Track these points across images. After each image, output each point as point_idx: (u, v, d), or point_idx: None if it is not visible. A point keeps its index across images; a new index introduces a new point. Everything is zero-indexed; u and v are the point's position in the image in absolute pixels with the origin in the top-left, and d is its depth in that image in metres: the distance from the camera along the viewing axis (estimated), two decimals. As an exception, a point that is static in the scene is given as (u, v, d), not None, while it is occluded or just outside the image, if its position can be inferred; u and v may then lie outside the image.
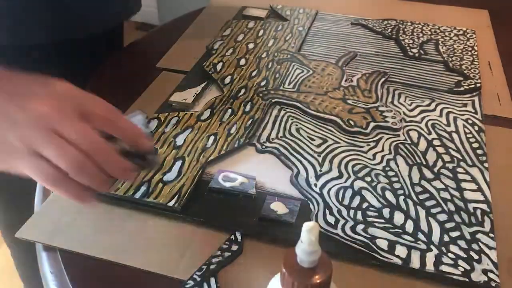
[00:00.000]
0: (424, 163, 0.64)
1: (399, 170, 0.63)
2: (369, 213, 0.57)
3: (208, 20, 0.99)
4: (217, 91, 0.77)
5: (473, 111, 0.74)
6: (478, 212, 0.57)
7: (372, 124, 0.69)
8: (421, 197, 0.59)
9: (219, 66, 0.81)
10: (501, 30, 0.98)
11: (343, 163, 0.63)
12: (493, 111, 0.75)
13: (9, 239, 0.93)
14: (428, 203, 0.58)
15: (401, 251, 0.52)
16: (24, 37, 0.70)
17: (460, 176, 0.62)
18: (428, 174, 0.62)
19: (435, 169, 0.63)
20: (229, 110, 0.71)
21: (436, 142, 0.67)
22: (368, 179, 0.61)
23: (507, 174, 0.64)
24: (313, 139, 0.67)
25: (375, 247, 0.53)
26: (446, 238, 0.54)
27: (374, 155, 0.65)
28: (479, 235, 0.54)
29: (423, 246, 0.53)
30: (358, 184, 0.60)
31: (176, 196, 0.57)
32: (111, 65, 0.85)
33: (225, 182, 0.60)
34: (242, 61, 0.83)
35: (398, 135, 0.68)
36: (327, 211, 0.56)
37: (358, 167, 0.63)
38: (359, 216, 0.56)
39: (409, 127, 0.70)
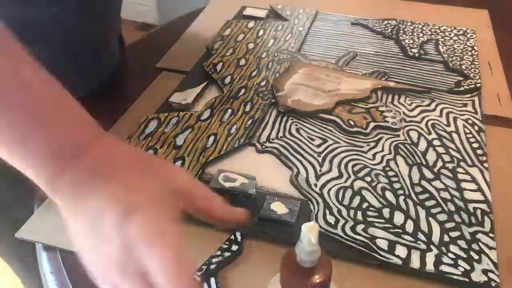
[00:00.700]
0: (424, 163, 0.64)
1: (399, 170, 0.63)
2: (369, 213, 0.57)
3: (208, 20, 0.99)
4: (217, 91, 0.77)
5: (473, 111, 0.74)
6: (478, 212, 0.57)
7: (372, 124, 0.69)
8: (421, 197, 0.59)
9: (219, 66, 0.81)
10: (501, 30, 0.98)
11: (343, 163, 0.63)
12: (493, 111, 0.75)
13: (13, 259, 0.93)
14: (428, 203, 0.58)
15: (401, 251, 0.52)
16: None
17: (460, 176, 0.62)
18: (428, 174, 0.62)
19: (435, 169, 0.63)
20: (229, 110, 0.71)
21: (436, 142, 0.67)
22: (368, 179, 0.61)
23: (507, 174, 0.64)
24: (313, 139, 0.67)
25: (375, 247, 0.53)
26: (446, 238, 0.54)
27: (374, 155, 0.65)
28: (479, 235, 0.55)
29: (423, 246, 0.53)
30: (358, 184, 0.60)
31: (176, 196, 0.57)
32: (112, 64, 0.85)
33: (225, 182, 0.60)
34: (242, 61, 0.83)
35: (398, 135, 0.68)
36: (327, 211, 0.56)
37: (358, 167, 0.63)
38: (359, 216, 0.56)
39: (409, 127, 0.70)
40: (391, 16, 0.99)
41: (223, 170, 0.62)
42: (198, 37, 0.92)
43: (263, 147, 0.66)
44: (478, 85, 0.79)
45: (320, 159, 0.64)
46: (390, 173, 0.62)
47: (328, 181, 0.60)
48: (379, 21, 0.98)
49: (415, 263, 0.51)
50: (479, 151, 0.66)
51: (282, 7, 1.01)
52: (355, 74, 0.80)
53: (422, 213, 0.57)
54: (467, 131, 0.70)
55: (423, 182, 0.61)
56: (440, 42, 0.91)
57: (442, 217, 0.57)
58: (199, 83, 0.77)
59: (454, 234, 0.55)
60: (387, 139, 0.68)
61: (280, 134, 0.68)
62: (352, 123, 0.70)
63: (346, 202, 0.58)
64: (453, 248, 0.53)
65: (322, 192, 0.59)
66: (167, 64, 0.85)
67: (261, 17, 0.98)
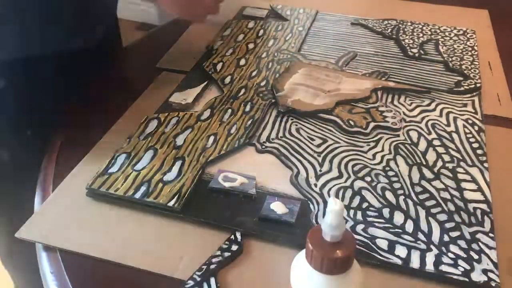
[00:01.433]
0: (424, 163, 0.64)
1: (399, 170, 0.63)
2: (369, 213, 0.57)
3: (208, 20, 0.99)
4: (217, 91, 0.77)
5: (473, 111, 0.74)
6: (478, 212, 0.57)
7: (372, 124, 0.69)
8: (421, 197, 0.59)
9: (219, 66, 0.81)
10: (501, 30, 0.98)
11: (343, 163, 0.63)
12: (493, 111, 0.75)
13: (11, 266, 0.93)
14: (428, 203, 0.58)
15: (401, 251, 0.52)
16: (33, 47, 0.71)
17: (460, 176, 0.62)
18: (428, 174, 0.62)
19: (435, 169, 0.63)
20: (229, 110, 0.72)
21: (436, 142, 0.67)
22: (368, 179, 0.61)
23: (507, 174, 0.64)
24: (313, 139, 0.67)
25: (375, 247, 0.53)
26: (446, 238, 0.54)
27: (374, 155, 0.65)
28: (479, 235, 0.55)
29: (423, 246, 0.53)
30: (358, 184, 0.60)
31: (176, 196, 0.57)
32: (111, 65, 0.85)
33: (225, 182, 0.60)
34: (242, 61, 0.83)
35: (398, 135, 0.68)
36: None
37: (358, 167, 0.63)
38: (359, 216, 0.56)
39: (409, 127, 0.70)
40: (391, 16, 0.99)
41: (223, 170, 0.62)
42: (198, 37, 0.92)
43: (263, 147, 0.66)
44: (478, 85, 0.79)
45: (320, 159, 0.64)
46: (390, 173, 0.62)
47: (328, 181, 0.60)
48: (379, 21, 0.98)
49: (415, 263, 0.51)
50: (479, 151, 0.66)
51: (282, 7, 1.01)
52: (355, 74, 0.80)
53: (422, 213, 0.57)
54: (467, 131, 0.70)
55: (423, 182, 0.61)
56: (440, 42, 0.91)
57: (442, 217, 0.57)
58: (199, 83, 0.77)
59: (454, 234, 0.55)
60: (387, 139, 0.68)
61: (280, 134, 0.68)
62: (352, 123, 0.70)
63: (346, 202, 0.58)
64: (453, 248, 0.53)
65: (322, 192, 0.59)
66: (167, 64, 0.85)
67: (261, 17, 0.98)
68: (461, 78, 0.81)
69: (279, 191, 0.60)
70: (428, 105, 0.75)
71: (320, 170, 0.62)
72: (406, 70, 0.83)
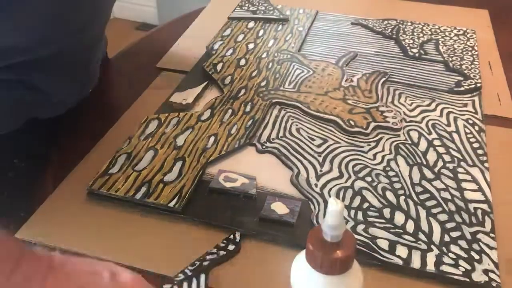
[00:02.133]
0: (425, 163, 0.64)
1: (399, 170, 0.63)
2: (369, 213, 0.57)
3: (208, 20, 0.99)
4: (217, 91, 0.77)
5: (473, 111, 0.74)
6: (479, 212, 0.57)
7: (372, 124, 0.69)
8: (422, 197, 0.59)
9: (219, 67, 0.81)
10: (501, 30, 0.98)
11: (344, 163, 0.63)
12: (493, 111, 0.75)
13: None
14: (428, 203, 0.58)
15: (402, 251, 0.52)
16: None
17: (461, 176, 0.62)
18: (428, 174, 0.62)
19: (436, 169, 0.63)
20: (230, 111, 0.71)
21: (436, 142, 0.67)
22: (368, 179, 0.61)
23: (507, 174, 0.64)
24: (313, 139, 0.67)
25: (375, 247, 0.53)
26: (446, 238, 0.54)
27: (375, 155, 0.65)
28: (479, 235, 0.54)
29: (424, 246, 0.53)
30: (359, 184, 0.60)
31: (177, 197, 0.57)
32: (112, 65, 0.85)
33: (225, 182, 0.60)
34: (242, 61, 0.83)
35: (399, 135, 0.68)
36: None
37: (358, 167, 0.63)
38: (360, 216, 0.56)
39: (410, 127, 0.70)
40: (391, 16, 0.99)
41: (224, 170, 0.62)
42: (198, 37, 0.91)
43: (264, 147, 0.66)
44: (478, 85, 0.79)
45: (320, 159, 0.64)
46: (391, 173, 0.62)
47: (328, 181, 0.60)
48: (379, 21, 0.97)
49: (416, 263, 0.51)
50: (480, 151, 0.66)
51: (282, 7, 1.01)
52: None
53: (423, 213, 0.57)
54: (468, 131, 0.70)
55: (424, 182, 0.61)
56: (440, 42, 0.91)
57: (443, 217, 0.57)
58: (199, 83, 0.77)
59: (455, 234, 0.55)
60: (387, 139, 0.68)
61: (281, 134, 0.68)
62: (352, 123, 0.69)
63: (346, 202, 0.58)
64: (453, 248, 0.53)
65: (322, 192, 0.59)
66: (167, 64, 0.85)
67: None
68: (461, 78, 0.81)
69: (279, 191, 0.60)
70: (429, 105, 0.75)
71: (321, 170, 0.62)
72: (406, 70, 0.83)
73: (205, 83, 0.77)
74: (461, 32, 0.94)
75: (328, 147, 0.66)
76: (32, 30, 0.59)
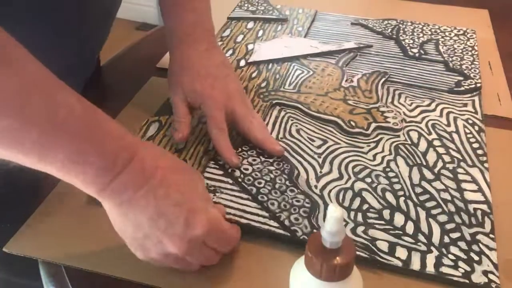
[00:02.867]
0: (424, 163, 0.64)
1: (399, 171, 0.63)
2: (369, 214, 0.57)
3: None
4: (217, 92, 0.77)
5: (473, 111, 0.74)
6: (479, 213, 0.57)
7: (373, 125, 0.69)
8: (422, 198, 0.59)
9: (219, 67, 0.81)
10: (501, 30, 0.97)
11: (344, 164, 0.63)
12: (493, 111, 0.75)
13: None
14: (428, 204, 0.58)
15: (401, 252, 0.52)
16: None
17: (461, 177, 0.62)
18: (428, 174, 0.62)
19: (436, 170, 0.63)
20: (229, 111, 0.71)
21: (436, 143, 0.67)
22: (368, 180, 0.61)
23: (507, 174, 0.64)
24: (313, 140, 0.67)
25: (375, 249, 0.53)
26: (446, 239, 0.54)
27: (375, 156, 0.65)
28: (479, 236, 0.54)
29: (424, 248, 0.53)
30: (359, 185, 0.60)
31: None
32: (112, 65, 0.85)
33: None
34: (242, 62, 0.83)
35: (398, 136, 0.68)
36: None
37: (358, 168, 0.63)
38: (360, 217, 0.56)
39: (409, 127, 0.70)
40: (391, 16, 0.99)
41: None
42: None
43: (263, 148, 0.66)
44: (478, 85, 0.79)
45: (320, 160, 0.64)
46: (391, 174, 0.62)
47: (328, 183, 0.60)
48: (379, 21, 0.97)
49: (416, 265, 0.51)
50: (480, 151, 0.66)
51: (281, 7, 1.01)
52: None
53: (423, 214, 0.57)
54: (467, 131, 0.70)
55: (424, 183, 0.61)
56: (440, 42, 0.91)
57: (443, 218, 0.57)
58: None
59: (455, 235, 0.55)
60: (387, 140, 0.68)
61: (281, 135, 0.68)
62: (353, 123, 0.69)
63: (346, 203, 0.58)
64: (453, 249, 0.53)
65: (322, 194, 0.59)
66: (167, 64, 0.84)
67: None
68: (461, 78, 0.81)
69: (279, 192, 0.60)
70: (428, 105, 0.75)
71: (321, 172, 0.62)
72: (406, 70, 0.83)
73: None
74: (461, 32, 0.94)
75: (328, 148, 0.66)
76: None
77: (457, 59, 0.85)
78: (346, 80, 0.79)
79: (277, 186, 0.59)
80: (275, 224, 0.55)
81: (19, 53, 0.41)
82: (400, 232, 0.55)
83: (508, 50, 0.91)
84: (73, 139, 0.42)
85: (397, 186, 0.60)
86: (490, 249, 0.53)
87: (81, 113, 0.43)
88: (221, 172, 0.61)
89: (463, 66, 0.84)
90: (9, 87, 0.39)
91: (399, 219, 0.56)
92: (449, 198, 0.59)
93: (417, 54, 0.87)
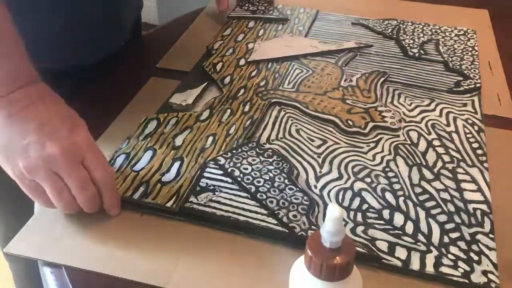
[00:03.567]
0: (424, 163, 0.64)
1: (399, 171, 0.62)
2: (369, 214, 0.56)
3: (208, 20, 0.99)
4: (217, 91, 0.77)
5: (473, 111, 0.74)
6: (478, 213, 0.57)
7: (370, 124, 0.69)
8: (421, 198, 0.59)
9: (219, 66, 0.81)
10: (501, 30, 0.97)
11: (343, 164, 0.63)
12: (493, 111, 0.75)
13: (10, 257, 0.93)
14: (428, 204, 0.58)
15: (401, 252, 0.52)
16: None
17: (460, 177, 0.62)
18: (428, 174, 0.62)
19: (435, 170, 0.63)
20: (228, 111, 0.71)
21: (436, 143, 0.67)
22: (368, 180, 0.61)
23: (507, 174, 0.64)
24: (313, 140, 0.67)
25: (375, 249, 0.52)
26: (446, 239, 0.54)
27: (374, 156, 0.65)
28: (479, 236, 0.54)
29: (423, 248, 0.53)
30: (358, 185, 0.60)
31: (174, 197, 0.57)
32: (112, 65, 0.85)
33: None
34: (242, 61, 0.83)
35: (398, 136, 0.68)
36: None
37: (358, 168, 0.63)
38: (359, 217, 0.56)
39: (409, 127, 0.70)
40: (392, 16, 0.99)
41: None
42: (198, 37, 0.91)
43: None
44: (478, 85, 0.79)
45: (320, 160, 0.64)
46: (390, 174, 0.62)
47: (328, 183, 0.60)
48: (379, 21, 0.97)
49: (415, 264, 0.51)
50: (479, 151, 0.66)
51: (282, 6, 1.01)
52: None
53: (422, 214, 0.57)
54: (467, 131, 0.69)
55: (423, 183, 0.61)
56: (440, 42, 0.91)
57: (442, 218, 0.56)
58: (199, 83, 0.77)
59: (454, 235, 0.54)
60: (387, 140, 0.67)
61: (280, 135, 0.68)
62: (350, 123, 0.69)
63: (346, 203, 0.58)
64: (453, 249, 0.53)
65: (322, 194, 0.59)
66: (167, 64, 0.84)
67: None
68: (461, 78, 0.81)
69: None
70: (428, 105, 0.75)
71: (320, 172, 0.62)
72: (406, 70, 0.83)
73: (205, 84, 0.77)
74: (462, 32, 0.94)
75: (327, 148, 0.66)
76: None
77: (457, 59, 0.85)
78: (345, 80, 0.79)
79: (276, 184, 0.59)
80: (274, 221, 0.55)
81: None
82: (400, 232, 0.55)
83: (508, 50, 0.91)
84: None
85: (396, 186, 0.60)
86: (490, 249, 0.53)
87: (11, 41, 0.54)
88: (220, 172, 0.61)
89: (463, 66, 0.83)
90: None
91: (398, 219, 0.56)
92: (448, 198, 0.59)
93: (417, 54, 0.87)
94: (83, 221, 0.56)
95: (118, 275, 0.51)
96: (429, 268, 0.51)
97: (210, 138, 0.66)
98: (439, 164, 0.64)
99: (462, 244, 0.53)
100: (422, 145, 0.67)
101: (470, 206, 0.58)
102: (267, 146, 0.66)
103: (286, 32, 0.92)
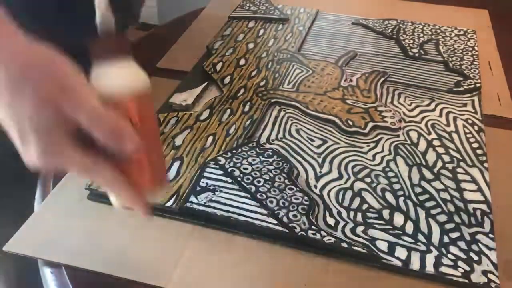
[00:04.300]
0: (424, 163, 0.64)
1: (399, 171, 0.62)
2: (369, 214, 0.56)
3: (208, 20, 0.99)
4: (217, 91, 0.77)
5: (473, 111, 0.74)
6: (478, 213, 0.57)
7: (370, 124, 0.69)
8: (421, 198, 0.59)
9: (219, 66, 0.81)
10: (501, 30, 0.97)
11: (343, 164, 0.63)
12: (493, 111, 0.75)
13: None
14: (428, 204, 0.58)
15: (401, 252, 0.52)
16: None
17: (460, 177, 0.62)
18: (428, 174, 0.62)
19: (435, 170, 0.63)
20: (228, 110, 0.71)
21: (436, 142, 0.67)
22: (368, 180, 0.61)
23: (507, 174, 0.64)
24: (313, 140, 0.67)
25: (375, 249, 0.52)
26: (446, 239, 0.54)
27: (374, 155, 0.65)
28: (479, 236, 0.54)
29: (423, 248, 0.53)
30: (358, 185, 0.60)
31: (174, 197, 0.57)
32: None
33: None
34: (242, 61, 0.83)
35: (398, 136, 0.68)
36: (327, 213, 0.56)
37: (358, 168, 0.63)
38: (359, 217, 0.56)
39: (409, 127, 0.70)
40: (392, 16, 0.99)
41: None
42: (198, 37, 0.91)
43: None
44: (478, 85, 0.79)
45: (320, 160, 0.64)
46: (390, 174, 0.62)
47: (328, 183, 0.60)
48: (379, 21, 0.97)
49: (415, 264, 0.51)
50: (479, 151, 0.66)
51: (282, 6, 1.01)
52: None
53: (422, 214, 0.57)
54: (467, 131, 0.69)
55: (423, 183, 0.61)
56: (440, 42, 0.91)
57: (442, 218, 0.56)
58: (199, 83, 0.77)
59: (454, 235, 0.54)
60: (387, 140, 0.67)
61: (280, 135, 0.68)
62: (350, 123, 0.69)
63: (346, 203, 0.58)
64: (453, 249, 0.53)
65: (322, 194, 0.59)
66: (167, 64, 0.84)
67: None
68: (461, 78, 0.81)
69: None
70: (428, 105, 0.75)
71: (320, 171, 0.62)
72: (406, 70, 0.83)
73: (205, 84, 0.77)
74: (462, 32, 0.94)
75: (327, 148, 0.66)
76: None
77: (457, 59, 0.85)
78: (345, 80, 0.79)
79: (276, 184, 0.59)
80: (274, 221, 0.55)
81: None
82: (400, 232, 0.55)
83: (508, 50, 0.91)
84: None
85: (396, 186, 0.60)
86: (490, 249, 0.53)
87: None
88: (220, 172, 0.61)
89: (463, 66, 0.83)
90: None
91: (398, 219, 0.56)
92: (448, 198, 0.59)
93: (417, 54, 0.87)
94: (83, 220, 0.56)
95: (118, 275, 0.51)
96: (429, 268, 0.51)
97: (210, 138, 0.66)
98: (439, 164, 0.64)
99: (462, 244, 0.53)
100: (422, 145, 0.67)
101: (470, 206, 0.58)
102: (267, 146, 0.66)
103: (287, 31, 0.92)
